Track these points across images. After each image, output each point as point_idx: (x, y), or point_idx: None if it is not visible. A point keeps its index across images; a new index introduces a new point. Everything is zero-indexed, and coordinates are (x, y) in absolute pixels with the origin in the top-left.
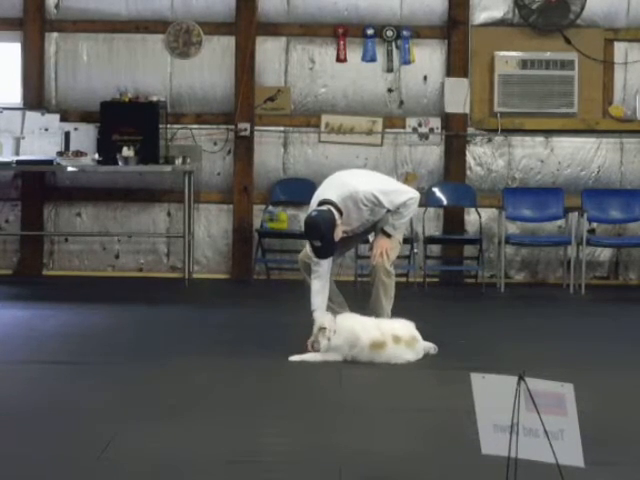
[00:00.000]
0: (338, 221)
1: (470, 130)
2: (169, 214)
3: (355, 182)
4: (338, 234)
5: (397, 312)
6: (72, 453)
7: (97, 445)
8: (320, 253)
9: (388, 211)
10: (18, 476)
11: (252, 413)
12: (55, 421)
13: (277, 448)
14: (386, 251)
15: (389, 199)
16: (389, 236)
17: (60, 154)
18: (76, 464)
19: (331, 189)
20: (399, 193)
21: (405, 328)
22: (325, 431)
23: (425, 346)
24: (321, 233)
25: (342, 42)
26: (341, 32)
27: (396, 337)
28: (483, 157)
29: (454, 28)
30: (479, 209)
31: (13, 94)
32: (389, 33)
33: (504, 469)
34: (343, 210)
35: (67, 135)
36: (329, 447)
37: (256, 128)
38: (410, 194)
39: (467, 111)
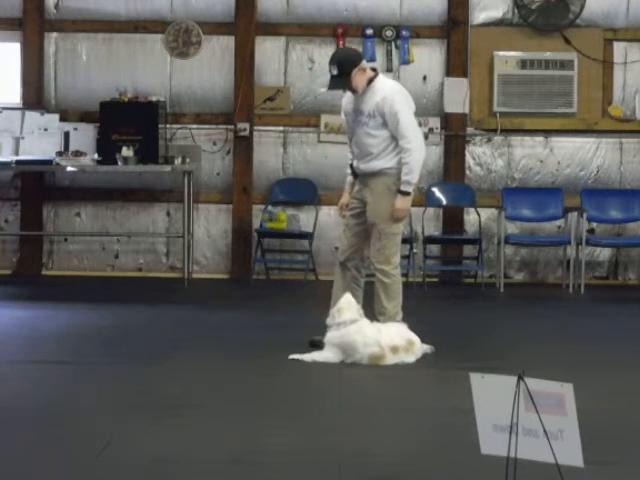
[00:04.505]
0: (364, 65)
1: (469, 130)
2: (168, 214)
3: (394, 87)
4: (358, 81)
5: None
6: (72, 453)
7: (97, 445)
8: (332, 83)
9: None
10: (18, 476)
11: (251, 413)
12: (55, 421)
13: (277, 448)
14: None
15: (396, 118)
16: (406, 194)
17: (59, 154)
18: (76, 464)
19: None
20: (407, 129)
21: (401, 334)
22: (325, 431)
23: (423, 347)
24: (340, 60)
25: (341, 42)
26: (340, 32)
27: (394, 348)
28: (482, 157)
29: (453, 28)
30: (478, 209)
31: (13, 94)
32: (388, 33)
33: (504, 469)
34: (367, 86)
35: (67, 135)
36: (329, 447)
37: (255, 128)
38: (413, 144)
39: (466, 111)
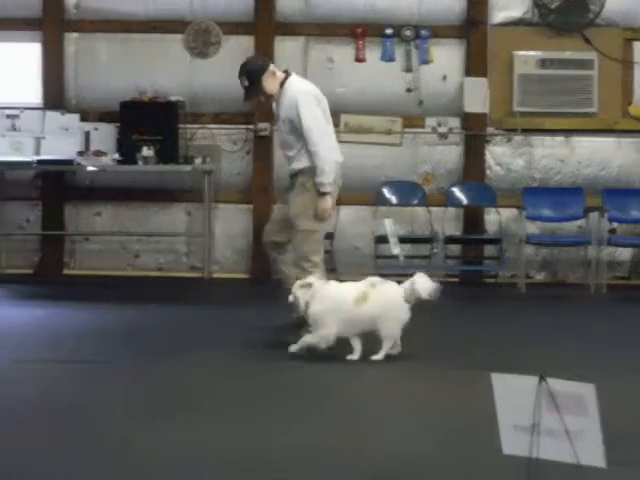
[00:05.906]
0: (272, 69)
1: (489, 130)
2: (188, 214)
3: (300, 89)
4: (270, 85)
5: (414, 311)
6: (90, 452)
7: (115, 444)
8: (246, 94)
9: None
10: (36, 475)
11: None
12: (74, 420)
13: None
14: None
15: (300, 121)
16: (322, 195)
17: (80, 154)
18: (94, 463)
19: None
20: (312, 132)
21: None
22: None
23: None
24: (248, 69)
25: (360, 42)
26: (359, 32)
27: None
28: (502, 157)
29: (473, 28)
30: (499, 209)
31: (33, 94)
32: (407, 33)
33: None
34: (280, 89)
35: (87, 135)
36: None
37: (275, 128)
38: (319, 146)
39: (486, 111)
